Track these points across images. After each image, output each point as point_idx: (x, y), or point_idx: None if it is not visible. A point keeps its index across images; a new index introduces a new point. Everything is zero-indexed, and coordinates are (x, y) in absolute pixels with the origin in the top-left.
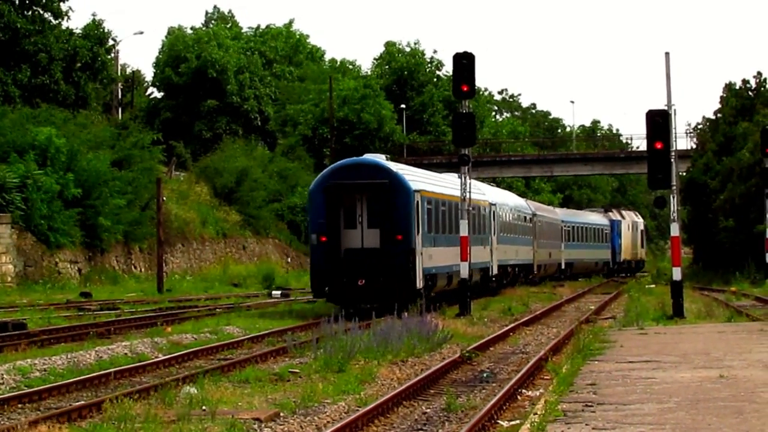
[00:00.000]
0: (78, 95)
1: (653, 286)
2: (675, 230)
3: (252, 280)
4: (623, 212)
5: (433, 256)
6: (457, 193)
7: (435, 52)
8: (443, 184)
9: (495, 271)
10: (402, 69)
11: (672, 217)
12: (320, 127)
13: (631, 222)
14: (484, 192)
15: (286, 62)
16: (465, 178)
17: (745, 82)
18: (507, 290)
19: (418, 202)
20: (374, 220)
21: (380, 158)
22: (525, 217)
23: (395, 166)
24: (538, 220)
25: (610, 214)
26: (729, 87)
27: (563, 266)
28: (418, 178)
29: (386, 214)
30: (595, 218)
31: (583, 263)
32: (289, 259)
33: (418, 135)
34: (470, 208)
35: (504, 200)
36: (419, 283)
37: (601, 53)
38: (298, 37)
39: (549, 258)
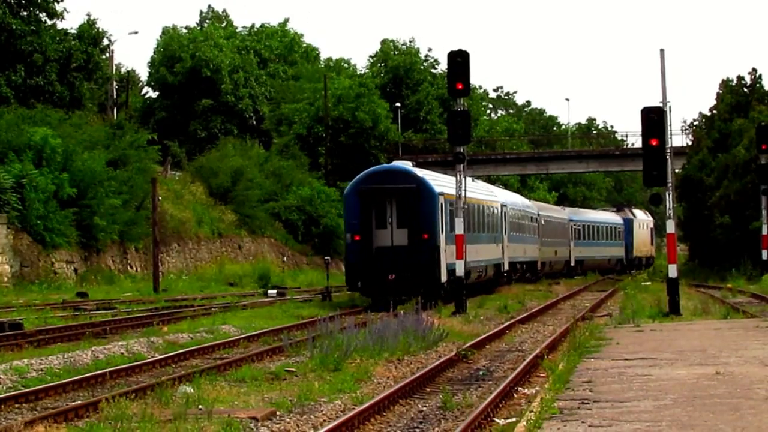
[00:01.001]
0: (73, 95)
1: (649, 283)
2: (671, 227)
3: (248, 279)
4: (634, 211)
5: (455, 253)
6: (475, 195)
7: (430, 50)
8: (477, 189)
9: (506, 267)
10: (398, 67)
11: (668, 215)
12: (315, 125)
13: (641, 220)
14: (495, 194)
15: (281, 61)
16: (460, 176)
17: (740, 78)
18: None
19: (441, 204)
20: (403, 220)
21: (407, 165)
22: (531, 217)
23: (421, 172)
24: (542, 220)
25: (623, 212)
26: (725, 83)
27: (573, 263)
28: (441, 183)
29: (413, 215)
30: (608, 217)
31: (594, 260)
32: (284, 259)
33: (414, 133)
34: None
35: (513, 201)
36: (443, 278)
37: (596, 51)
38: (292, 36)
39: (555, 255)
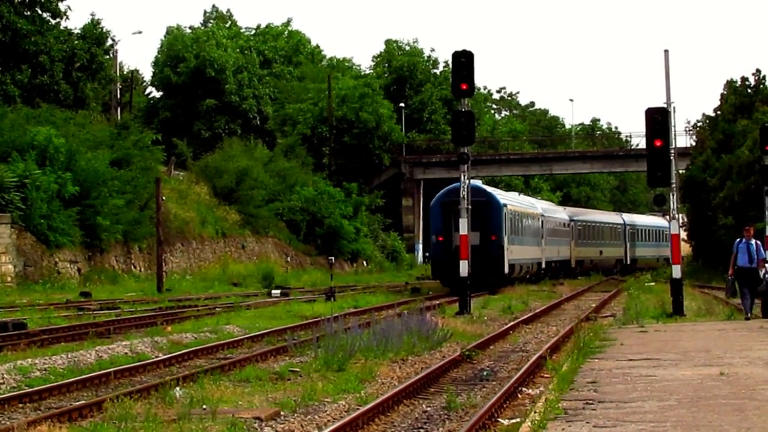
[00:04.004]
0: (77, 95)
1: (653, 284)
2: (674, 228)
3: (251, 279)
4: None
5: (513, 252)
6: (523, 207)
7: (432, 50)
8: (521, 201)
9: (544, 265)
10: (401, 68)
11: (671, 215)
12: (319, 126)
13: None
14: (536, 206)
15: (286, 62)
16: (464, 176)
17: (744, 79)
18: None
19: (505, 213)
20: (476, 225)
21: (479, 182)
22: (564, 223)
23: (490, 189)
24: (576, 225)
25: (668, 217)
26: (729, 84)
27: (628, 261)
28: (505, 197)
29: (484, 221)
30: (658, 221)
31: (646, 259)
32: (288, 258)
33: (417, 134)
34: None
35: (549, 210)
36: (506, 270)
37: (600, 51)
38: (299, 37)
39: (599, 255)
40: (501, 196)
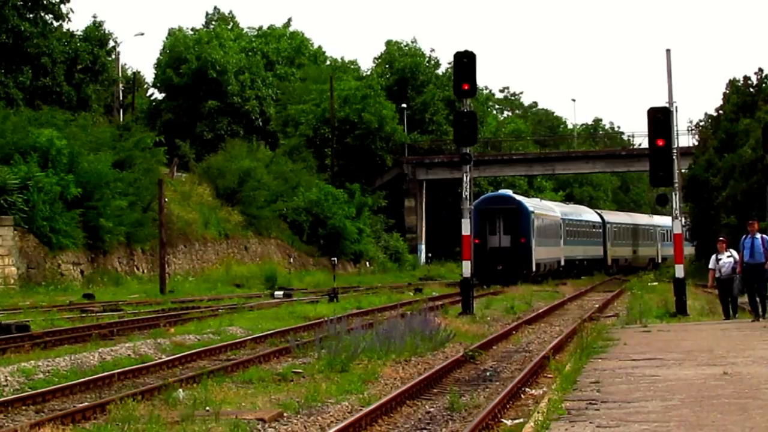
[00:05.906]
0: (79, 97)
1: (656, 283)
2: (677, 227)
3: (254, 280)
4: None
5: (540, 252)
6: (544, 211)
7: (432, 50)
8: (546, 207)
9: (563, 263)
10: (403, 69)
11: (674, 215)
12: (321, 127)
13: None
14: (555, 210)
15: (288, 63)
16: (466, 177)
17: (746, 78)
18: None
19: (533, 219)
20: (507, 229)
21: (510, 192)
22: (593, 225)
23: (519, 197)
24: (611, 227)
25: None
26: (732, 83)
27: (659, 260)
28: (533, 204)
29: (515, 226)
30: None
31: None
32: (291, 260)
33: (420, 134)
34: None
35: (572, 213)
36: (534, 268)
37: (602, 51)
38: (301, 39)
39: (633, 254)
40: (529, 203)
